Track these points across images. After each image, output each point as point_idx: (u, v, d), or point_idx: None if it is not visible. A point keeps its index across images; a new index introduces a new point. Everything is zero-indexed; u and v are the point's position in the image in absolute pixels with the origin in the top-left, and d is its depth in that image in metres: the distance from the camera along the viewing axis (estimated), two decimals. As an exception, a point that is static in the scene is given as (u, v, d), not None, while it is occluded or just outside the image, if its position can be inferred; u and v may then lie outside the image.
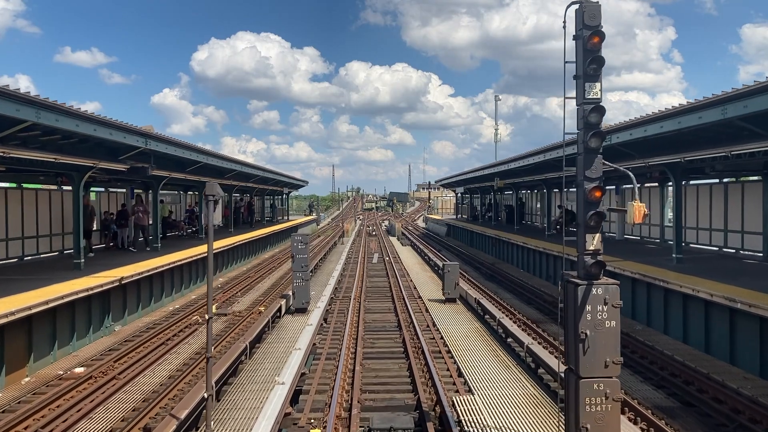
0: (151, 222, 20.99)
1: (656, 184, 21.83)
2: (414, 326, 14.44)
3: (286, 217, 51.39)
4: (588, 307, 6.59)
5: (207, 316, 7.15)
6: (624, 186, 24.55)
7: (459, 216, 52.09)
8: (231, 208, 31.60)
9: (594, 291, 6.62)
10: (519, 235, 27.76)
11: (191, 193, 33.23)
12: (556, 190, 31.39)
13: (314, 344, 12.87)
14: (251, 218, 37.08)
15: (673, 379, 10.76)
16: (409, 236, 47.56)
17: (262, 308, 16.92)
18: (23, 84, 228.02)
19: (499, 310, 16.02)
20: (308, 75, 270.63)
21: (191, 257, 20.04)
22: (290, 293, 16.24)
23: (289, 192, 51.94)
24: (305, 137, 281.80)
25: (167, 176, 19.66)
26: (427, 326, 14.71)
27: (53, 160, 12.47)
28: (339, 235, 46.90)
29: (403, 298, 18.27)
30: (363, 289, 20.50)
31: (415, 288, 20.75)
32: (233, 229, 31.24)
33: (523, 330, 13.77)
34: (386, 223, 72.85)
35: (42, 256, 18.77)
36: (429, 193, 73.04)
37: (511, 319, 15.08)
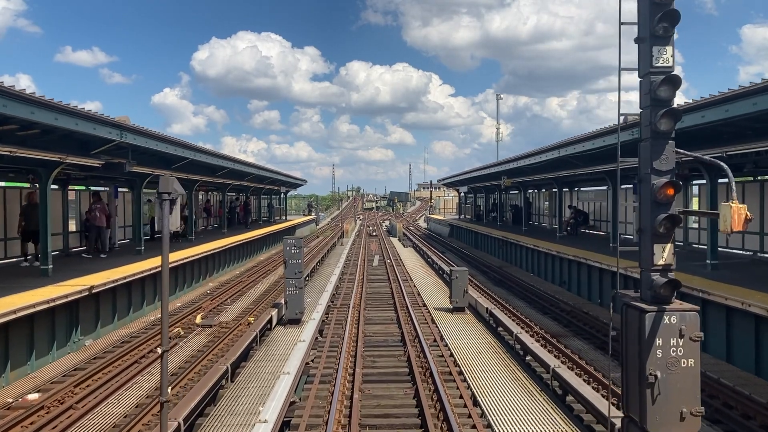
0: (107, 224, 19.22)
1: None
2: (420, 341, 12.89)
3: (284, 217, 49.85)
4: (658, 341, 5.01)
5: (160, 350, 5.60)
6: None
7: (462, 216, 50.53)
8: (224, 208, 30.02)
9: (666, 320, 5.03)
10: (528, 237, 26.20)
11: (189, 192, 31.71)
12: (566, 189, 29.86)
13: (307, 363, 11.32)
14: (247, 218, 35.49)
15: (737, 417, 9.19)
16: (411, 237, 46.01)
17: (251, 319, 15.36)
18: (24, 83, 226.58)
19: (514, 321, 14.47)
20: (309, 75, 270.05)
21: (178, 261, 18.49)
22: (283, 302, 14.68)
23: (287, 191, 50.39)
24: (306, 137, 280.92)
25: (150, 174, 18.08)
26: (435, 341, 13.16)
27: (8, 153, 10.90)
28: (338, 235, 45.36)
29: (407, 307, 16.72)
30: (363, 296, 18.94)
31: (419, 294, 19.21)
32: (227, 230, 29.68)
33: (543, 346, 12.21)
34: (387, 223, 71.26)
35: (13, 260, 17.21)
36: (431, 192, 71.46)
37: (527, 331, 13.53)
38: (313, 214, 65.35)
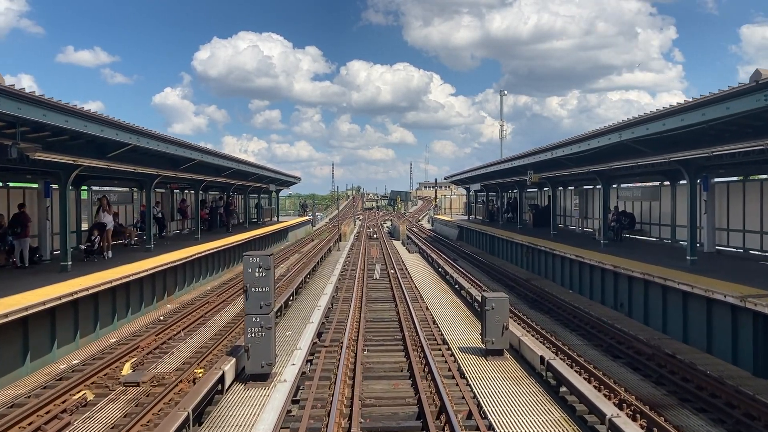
0: (26, 232, 14.80)
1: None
2: (447, 412, 8.31)
3: (275, 219, 45.22)
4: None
5: None
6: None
7: (472, 217, 45.89)
8: (198, 209, 25.37)
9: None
10: (562, 244, 21.56)
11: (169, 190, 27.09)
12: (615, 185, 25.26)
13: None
14: (228, 221, 30.83)
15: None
16: (416, 240, 41.38)
17: (199, 371, 10.74)
18: (26, 84, 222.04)
19: (590, 381, 9.85)
20: (310, 74, 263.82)
21: (117, 280, 13.91)
22: (244, 346, 10.06)
23: (279, 190, 45.75)
24: (306, 136, 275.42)
25: (72, 163, 13.43)
26: (470, 413, 8.57)
27: None
28: (335, 239, 40.71)
29: (421, 346, 12.12)
30: (361, 328, 14.29)
31: (434, 323, 14.61)
32: (202, 235, 25.05)
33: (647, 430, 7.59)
34: (388, 224, 66.63)
35: None
36: (435, 191, 66.72)
37: (611, 398, 8.89)
38: (308, 214, 60.72)
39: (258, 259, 9.95)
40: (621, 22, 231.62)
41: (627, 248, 19.71)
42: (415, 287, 20.58)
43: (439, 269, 25.43)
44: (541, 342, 12.36)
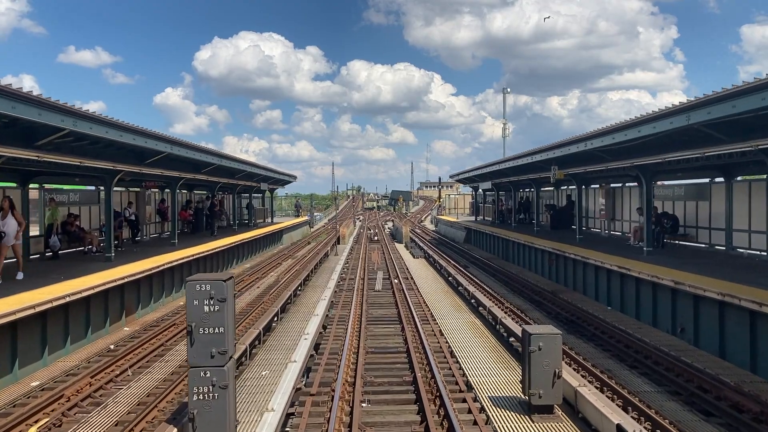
0: None
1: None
2: None
3: (269, 220, 42.12)
4: None
5: None
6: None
7: (480, 218, 42.78)
8: (174, 209, 22.27)
9: None
10: (594, 251, 18.47)
11: (140, 189, 24.01)
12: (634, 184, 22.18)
13: None
14: (213, 223, 27.69)
15: None
16: (420, 243, 38.29)
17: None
18: (27, 84, 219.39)
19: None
20: (311, 74, 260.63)
21: (51, 302, 10.84)
22: (189, 414, 6.94)
23: (273, 189, 42.68)
24: (307, 136, 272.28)
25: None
26: None
27: None
28: (333, 242, 37.61)
29: (440, 395, 9.04)
30: (359, 363, 11.18)
31: (452, 355, 11.56)
32: (178, 241, 21.94)
33: None
34: (390, 224, 63.52)
35: None
36: (439, 190, 63.54)
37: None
38: (305, 215, 57.59)
39: (207, 287, 6.85)
40: (622, 22, 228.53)
41: (674, 256, 16.61)
42: (424, 302, 17.51)
43: (449, 278, 22.35)
44: (597, 386, 9.28)
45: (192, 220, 29.19)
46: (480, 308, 16.35)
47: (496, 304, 16.20)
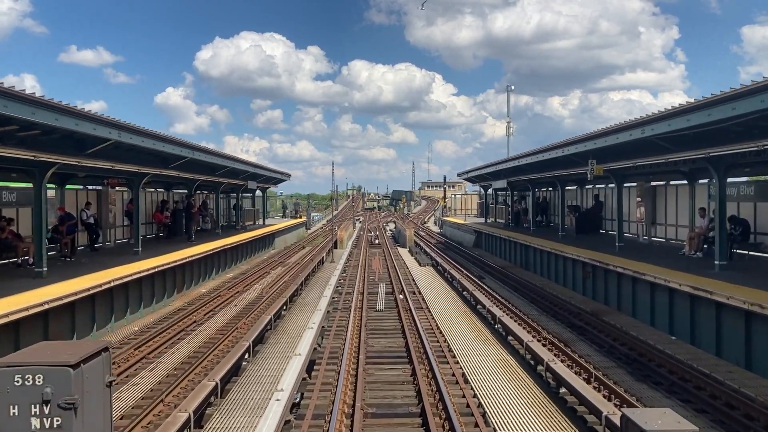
0: None
1: None
2: None
3: (260, 222, 38.65)
4: None
5: None
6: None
7: (491, 219, 39.29)
8: (137, 210, 18.79)
9: None
10: (643, 263, 15.01)
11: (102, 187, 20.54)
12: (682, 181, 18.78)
13: None
14: (189, 227, 24.18)
15: None
16: (425, 248, 34.81)
17: None
18: (29, 84, 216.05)
19: None
20: (312, 74, 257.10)
21: None
22: None
23: (265, 188, 39.24)
24: (308, 136, 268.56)
25: None
26: None
27: None
28: (330, 246, 34.06)
29: None
30: (356, 417, 7.71)
31: (486, 423, 8.07)
32: (142, 249, 18.47)
33: None
34: (391, 226, 60.00)
35: None
36: (445, 190, 59.98)
37: None
38: (298, 216, 54.05)
39: (38, 380, 3.34)
40: (624, 22, 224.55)
41: (755, 274, 13.12)
42: (437, 327, 14.06)
43: (464, 293, 18.89)
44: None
45: (169, 223, 25.75)
46: (509, 337, 12.90)
47: (527, 329, 12.80)
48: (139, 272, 15.16)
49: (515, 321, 13.88)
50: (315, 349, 12.15)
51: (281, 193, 73.12)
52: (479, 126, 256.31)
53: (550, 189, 33.54)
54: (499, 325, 13.66)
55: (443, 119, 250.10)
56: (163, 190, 27.61)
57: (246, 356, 11.21)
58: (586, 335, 13.44)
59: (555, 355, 11.09)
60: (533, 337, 12.45)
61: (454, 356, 11.50)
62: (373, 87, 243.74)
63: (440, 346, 12.31)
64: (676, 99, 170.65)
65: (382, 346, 12.78)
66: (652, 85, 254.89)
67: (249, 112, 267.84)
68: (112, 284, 13.76)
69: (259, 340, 12.69)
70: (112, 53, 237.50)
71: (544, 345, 11.75)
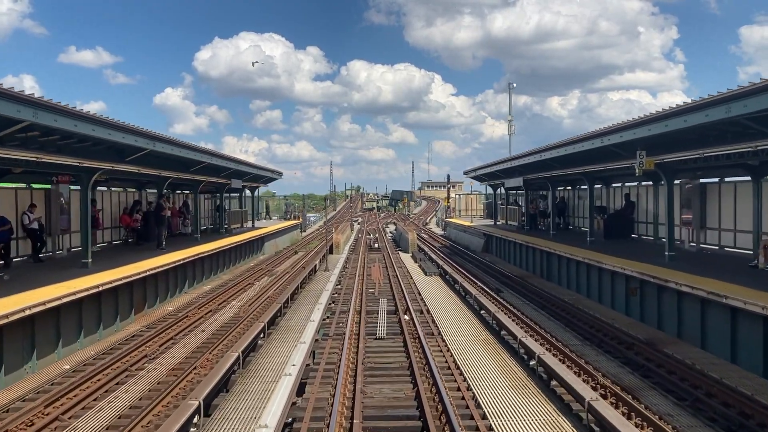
0: None
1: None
2: None
3: (248, 224, 35.41)
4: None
5: None
6: None
7: (501, 221, 36.07)
8: (87, 212, 15.52)
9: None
10: (710, 279, 11.80)
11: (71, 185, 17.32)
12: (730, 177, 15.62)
13: None
14: (160, 232, 20.88)
15: None
16: (430, 253, 31.59)
17: None
18: (28, 84, 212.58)
19: None
20: (311, 75, 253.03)
21: None
22: None
23: (254, 188, 36.03)
24: (307, 136, 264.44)
25: None
26: None
27: None
28: (324, 251, 30.79)
29: None
30: None
31: None
32: (93, 261, 15.22)
33: None
34: (392, 228, 56.73)
35: None
36: (448, 189, 56.66)
37: None
38: (288, 218, 50.77)
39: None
40: (623, 22, 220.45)
41: None
42: (454, 364, 10.88)
43: (482, 312, 15.70)
44: None
45: (138, 227, 22.52)
46: (553, 382, 9.72)
47: (578, 373, 9.62)
48: (75, 292, 11.91)
49: (560, 360, 10.64)
50: (294, 403, 8.97)
51: (284, 195, 70.01)
52: (478, 126, 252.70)
53: (568, 188, 30.39)
54: (541, 367, 10.42)
55: (442, 119, 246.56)
56: (134, 189, 24.39)
57: (195, 418, 8.01)
58: (653, 379, 10.19)
59: (628, 417, 7.91)
60: (589, 384, 9.25)
61: (484, 416, 8.30)
62: (372, 87, 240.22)
63: (464, 401, 9.08)
64: (675, 99, 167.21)
65: (384, 397, 9.53)
66: (652, 85, 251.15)
67: (248, 112, 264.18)
68: (33, 310, 10.53)
69: (223, 385, 9.52)
70: (111, 54, 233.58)
71: (612, 402, 8.53)
